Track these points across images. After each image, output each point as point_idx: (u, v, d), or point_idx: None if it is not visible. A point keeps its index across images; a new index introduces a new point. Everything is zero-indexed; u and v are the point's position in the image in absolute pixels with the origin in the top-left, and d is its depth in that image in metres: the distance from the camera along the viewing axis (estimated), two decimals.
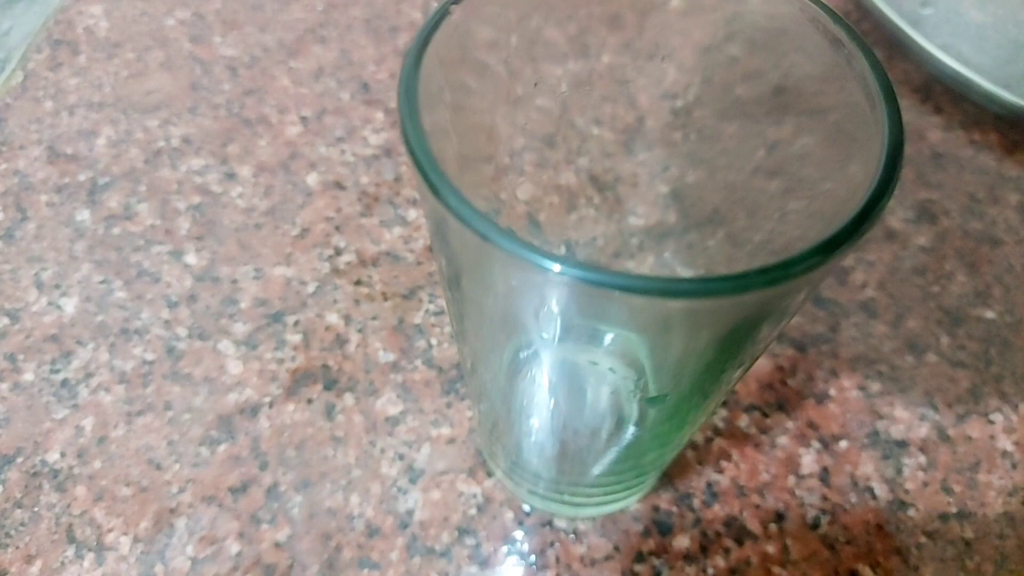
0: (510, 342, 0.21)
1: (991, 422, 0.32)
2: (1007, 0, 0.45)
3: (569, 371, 0.24)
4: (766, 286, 0.13)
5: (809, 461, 0.30)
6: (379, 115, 0.40)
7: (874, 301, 0.34)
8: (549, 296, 0.16)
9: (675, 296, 0.14)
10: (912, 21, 0.43)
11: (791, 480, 0.30)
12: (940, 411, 0.32)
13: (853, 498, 0.30)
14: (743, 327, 0.17)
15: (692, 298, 0.15)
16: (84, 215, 0.37)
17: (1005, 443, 0.31)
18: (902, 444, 0.31)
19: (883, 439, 0.31)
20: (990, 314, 0.34)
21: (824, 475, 0.30)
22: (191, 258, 0.36)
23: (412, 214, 0.37)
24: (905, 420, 0.31)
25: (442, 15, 0.19)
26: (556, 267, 0.14)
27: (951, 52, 0.42)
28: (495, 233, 0.15)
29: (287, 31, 0.44)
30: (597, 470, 0.27)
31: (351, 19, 0.45)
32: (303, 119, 0.40)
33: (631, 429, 0.23)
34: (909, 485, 0.30)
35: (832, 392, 0.32)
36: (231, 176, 0.38)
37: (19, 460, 0.30)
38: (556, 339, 0.19)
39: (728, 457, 0.30)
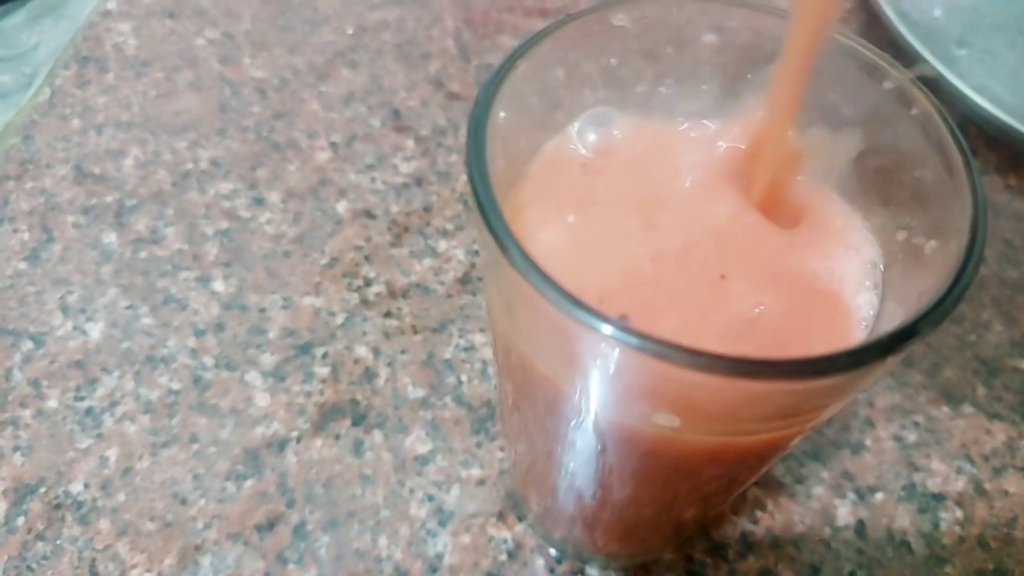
0: (560, 382, 0.20)
1: None
2: None
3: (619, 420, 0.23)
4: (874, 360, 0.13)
5: (844, 513, 0.30)
6: (410, 143, 0.40)
7: (911, 350, 0.34)
8: (604, 355, 0.16)
9: (746, 375, 0.14)
10: (947, 62, 0.42)
11: (826, 532, 0.29)
12: (977, 464, 0.31)
13: (889, 552, 0.29)
14: (816, 402, 0.16)
15: (767, 379, 0.14)
16: (111, 237, 0.36)
17: None
18: (939, 497, 0.30)
19: (919, 492, 0.31)
20: None
21: (860, 528, 0.30)
22: (219, 285, 0.35)
23: (443, 245, 0.37)
24: (942, 473, 0.31)
25: (509, 67, 0.19)
26: (608, 330, 0.14)
27: (986, 94, 0.41)
28: (557, 294, 0.14)
29: (317, 54, 0.44)
30: (637, 523, 0.26)
31: (381, 44, 0.44)
32: (333, 145, 0.40)
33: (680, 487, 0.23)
34: (946, 540, 0.30)
35: (868, 442, 0.32)
36: (260, 201, 0.38)
37: (42, 490, 0.30)
38: (610, 393, 0.18)
39: (763, 507, 0.30)
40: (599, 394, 0.18)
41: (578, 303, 0.14)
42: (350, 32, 0.45)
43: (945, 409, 0.33)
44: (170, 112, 0.41)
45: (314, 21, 0.45)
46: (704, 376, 0.14)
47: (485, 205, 0.15)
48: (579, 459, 0.25)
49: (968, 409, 0.33)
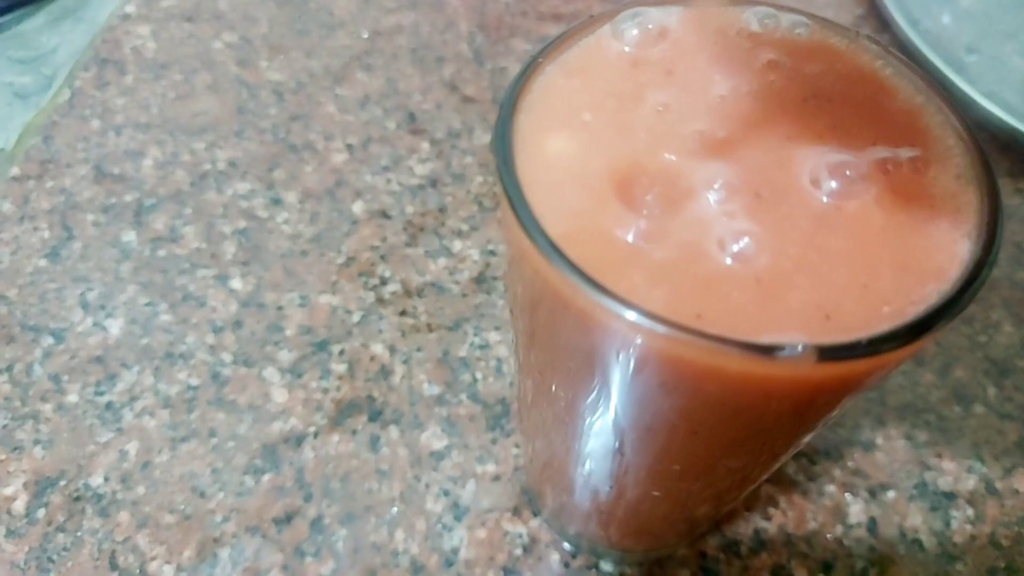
0: (586, 382, 0.21)
1: None
2: None
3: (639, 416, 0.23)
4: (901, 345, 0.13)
5: (857, 510, 0.30)
6: (425, 145, 0.41)
7: (922, 349, 0.34)
8: (641, 352, 0.16)
9: (766, 354, 0.14)
10: (957, 68, 0.43)
11: (839, 529, 0.30)
12: (987, 463, 0.32)
13: (901, 550, 0.29)
14: (840, 392, 0.17)
15: (787, 359, 0.15)
16: (130, 236, 0.37)
17: None
18: (950, 496, 0.31)
19: (931, 490, 0.31)
20: None
21: (872, 525, 0.30)
22: (236, 283, 0.36)
23: (457, 245, 0.37)
24: (953, 472, 0.31)
25: (531, 65, 0.19)
26: (659, 326, 0.14)
27: (996, 100, 0.42)
28: (582, 278, 0.15)
29: (333, 57, 0.44)
30: (651, 519, 0.27)
31: (396, 48, 0.45)
32: (349, 146, 0.40)
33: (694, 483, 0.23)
34: (957, 538, 0.30)
35: (879, 440, 0.32)
36: (277, 201, 0.38)
37: (62, 483, 0.30)
38: (639, 389, 0.19)
39: (776, 504, 0.30)
40: (621, 389, 0.19)
41: (606, 290, 0.14)
42: (365, 36, 0.45)
43: (956, 409, 0.33)
44: (188, 113, 0.41)
45: (330, 25, 0.46)
46: (734, 360, 0.14)
47: (513, 197, 0.16)
48: (596, 456, 0.25)
49: (979, 409, 0.33)
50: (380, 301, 0.35)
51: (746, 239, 0.15)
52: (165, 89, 0.43)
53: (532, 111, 0.18)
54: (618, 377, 0.18)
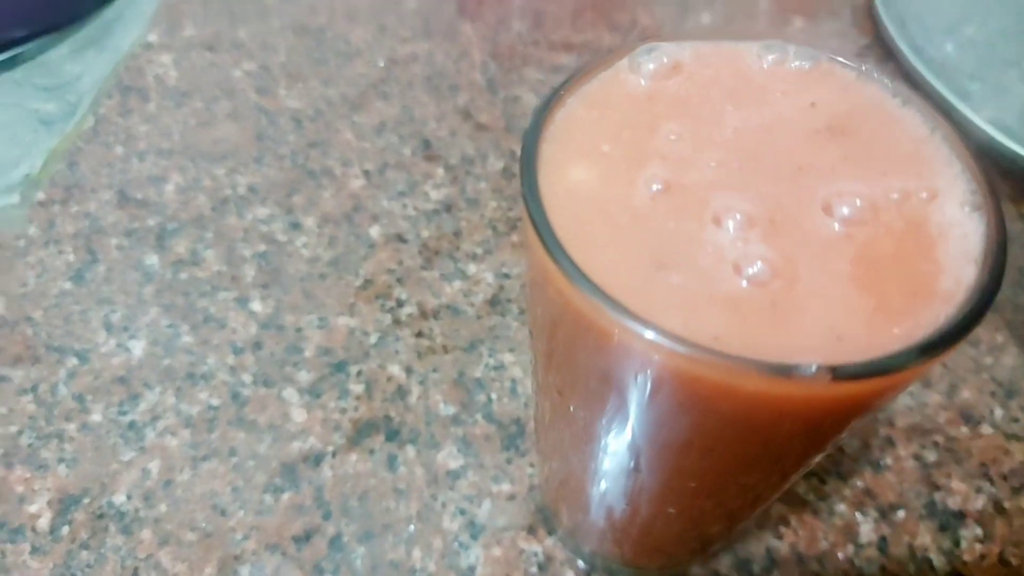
0: (604, 404, 0.21)
1: None
2: None
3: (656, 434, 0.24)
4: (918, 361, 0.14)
5: (867, 530, 0.31)
6: (440, 171, 0.41)
7: (929, 371, 0.35)
8: (661, 372, 0.17)
9: (785, 375, 0.15)
10: (960, 95, 0.44)
11: (850, 548, 0.30)
12: (996, 483, 0.32)
13: (911, 569, 0.30)
14: (853, 412, 0.17)
15: (807, 379, 0.15)
16: (153, 259, 0.38)
17: None
18: (959, 515, 0.31)
19: (940, 510, 0.31)
20: None
21: (882, 544, 0.30)
22: (256, 305, 0.36)
23: (472, 268, 0.38)
24: (962, 491, 0.32)
25: (554, 97, 0.20)
26: (680, 346, 0.15)
27: (998, 126, 0.43)
28: (612, 305, 0.15)
29: (350, 86, 0.45)
30: (665, 537, 0.27)
31: (412, 76, 0.46)
32: (366, 172, 0.41)
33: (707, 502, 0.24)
34: (967, 557, 0.30)
35: (888, 461, 0.32)
36: (296, 226, 0.39)
37: (86, 501, 0.31)
38: (657, 409, 0.19)
39: (787, 523, 0.31)
40: (639, 408, 0.19)
41: (627, 311, 0.15)
42: (381, 65, 0.47)
43: (963, 429, 0.33)
44: (209, 140, 0.43)
45: (347, 54, 0.47)
46: (761, 381, 0.15)
47: (538, 222, 0.17)
48: (612, 475, 0.25)
49: (986, 429, 0.33)
50: (397, 323, 0.36)
51: (761, 263, 0.16)
52: (187, 116, 0.44)
53: (555, 141, 0.19)
54: (636, 397, 0.19)
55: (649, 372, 0.17)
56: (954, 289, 0.16)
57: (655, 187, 0.17)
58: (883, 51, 0.48)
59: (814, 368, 0.14)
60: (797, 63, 0.20)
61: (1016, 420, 0.34)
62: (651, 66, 0.20)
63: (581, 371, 0.20)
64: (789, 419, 0.18)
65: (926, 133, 0.19)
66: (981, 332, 0.36)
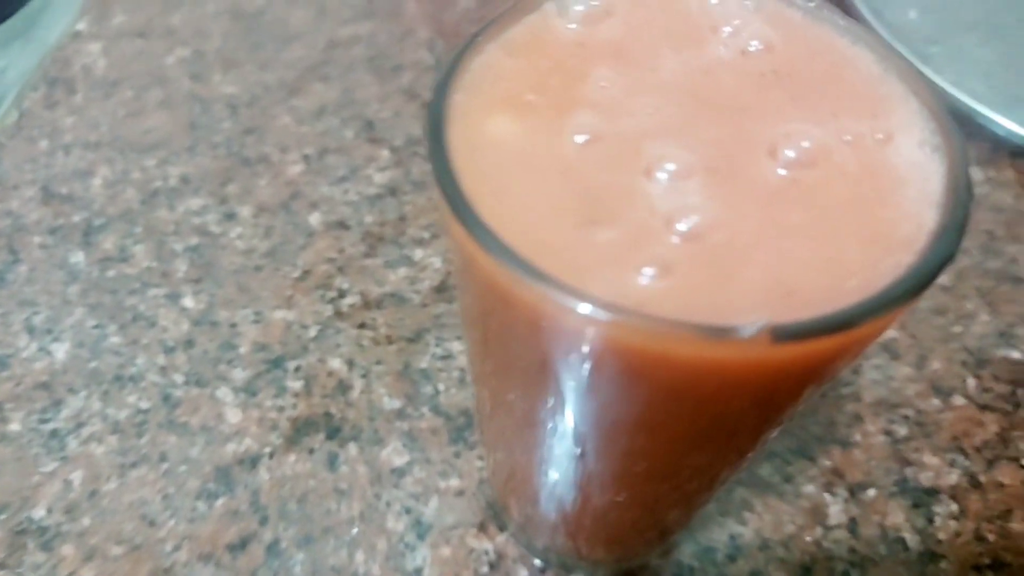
0: (541, 387, 0.20)
1: (1022, 467, 0.30)
2: (1013, 37, 0.45)
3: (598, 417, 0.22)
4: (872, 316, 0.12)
5: (836, 511, 0.29)
6: (384, 153, 0.39)
7: (895, 342, 0.33)
8: (591, 344, 0.15)
9: (717, 337, 0.13)
10: (922, 58, 0.42)
11: (818, 531, 0.29)
12: (970, 456, 0.31)
13: (883, 550, 0.28)
14: (804, 377, 0.15)
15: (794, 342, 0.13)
16: (78, 257, 0.36)
17: None
18: (932, 492, 0.30)
19: (912, 486, 0.30)
20: (1015, 354, 0.33)
21: (852, 526, 0.29)
22: (188, 301, 0.34)
23: (418, 254, 0.36)
24: (934, 466, 0.30)
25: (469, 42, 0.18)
26: (603, 313, 0.13)
27: (962, 86, 0.41)
28: (527, 270, 0.13)
29: (288, 69, 0.43)
30: (620, 526, 0.25)
31: (353, 58, 0.44)
32: (305, 158, 0.39)
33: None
34: (941, 535, 0.29)
35: (857, 437, 0.31)
36: (230, 216, 0.37)
37: (3, 517, 0.29)
38: (594, 387, 0.18)
39: (751, 507, 0.29)
40: (576, 389, 0.18)
41: (544, 276, 0.13)
42: (321, 47, 0.44)
43: (935, 401, 0.32)
44: (139, 130, 0.40)
45: (285, 37, 0.45)
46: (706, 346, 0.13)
47: (443, 179, 0.15)
48: (559, 463, 0.24)
49: (958, 401, 0.32)
50: (338, 314, 0.34)
51: (698, 216, 0.14)
52: (115, 107, 0.41)
53: (470, 91, 0.17)
54: (570, 374, 0.17)
55: (578, 344, 0.15)
56: (915, 235, 0.14)
57: (582, 137, 0.16)
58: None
59: (754, 328, 0.12)
60: (741, 2, 0.18)
61: (988, 390, 0.32)
62: (580, 8, 0.18)
63: (511, 351, 0.18)
64: (735, 388, 0.16)
65: (879, 72, 0.17)
66: (949, 300, 0.35)
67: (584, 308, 0.13)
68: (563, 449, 0.23)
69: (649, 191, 0.14)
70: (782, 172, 0.15)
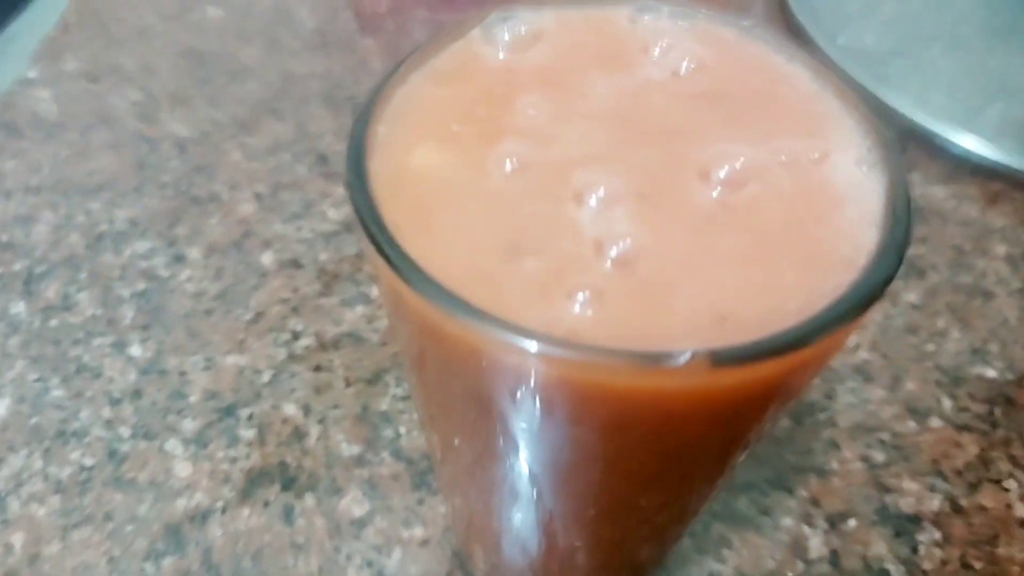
0: (484, 428, 0.18)
1: (1005, 489, 0.29)
2: (974, 47, 0.45)
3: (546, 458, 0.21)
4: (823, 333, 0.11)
5: (817, 544, 0.28)
6: (339, 189, 0.38)
7: (868, 364, 0.33)
8: (524, 378, 0.14)
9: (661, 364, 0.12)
10: (879, 79, 0.42)
11: (799, 566, 0.27)
12: (950, 480, 0.30)
13: None
14: (755, 404, 0.14)
15: (702, 364, 0.12)
16: (19, 307, 0.34)
17: (1022, 511, 0.29)
18: (914, 519, 0.29)
19: (893, 514, 0.29)
20: (990, 372, 0.33)
21: (834, 559, 0.28)
22: (135, 349, 0.33)
23: (375, 291, 0.35)
24: (914, 492, 0.29)
25: (393, 72, 0.17)
26: (530, 343, 0.12)
27: (924, 103, 0.41)
28: (452, 303, 0.12)
29: (240, 106, 0.42)
30: (590, 569, 0.24)
31: (307, 92, 0.43)
32: (257, 196, 0.38)
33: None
34: (926, 564, 0.28)
35: (834, 465, 0.30)
36: (179, 259, 0.36)
37: None
38: (537, 425, 0.16)
39: (728, 544, 0.28)
40: (518, 429, 0.16)
41: (465, 305, 0.12)
42: (274, 82, 0.43)
43: (911, 424, 0.31)
44: (84, 173, 0.39)
45: (236, 74, 0.44)
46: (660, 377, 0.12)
47: (362, 209, 0.14)
48: (516, 507, 0.23)
49: (935, 422, 0.31)
50: (292, 358, 0.33)
51: (629, 242, 0.13)
52: (59, 149, 0.40)
53: (393, 122, 0.16)
54: (511, 414, 0.16)
55: (512, 380, 0.14)
56: (853, 256, 0.13)
57: (509, 166, 0.15)
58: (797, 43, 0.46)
59: (688, 355, 0.11)
60: (670, 22, 0.17)
61: (966, 410, 0.32)
62: (507, 36, 0.17)
63: (449, 391, 0.17)
64: (683, 418, 0.15)
65: (816, 89, 0.16)
66: (920, 318, 0.34)
67: (511, 339, 0.12)
68: (518, 491, 0.22)
69: (578, 218, 0.14)
70: (714, 195, 0.14)
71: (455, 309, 0.12)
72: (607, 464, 0.17)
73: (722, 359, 0.11)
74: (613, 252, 0.13)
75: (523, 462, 0.19)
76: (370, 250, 0.13)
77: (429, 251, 0.13)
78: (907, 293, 0.35)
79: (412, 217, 0.14)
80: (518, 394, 0.14)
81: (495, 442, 0.18)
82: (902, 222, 0.13)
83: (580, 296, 0.12)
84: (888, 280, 0.13)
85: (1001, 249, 0.37)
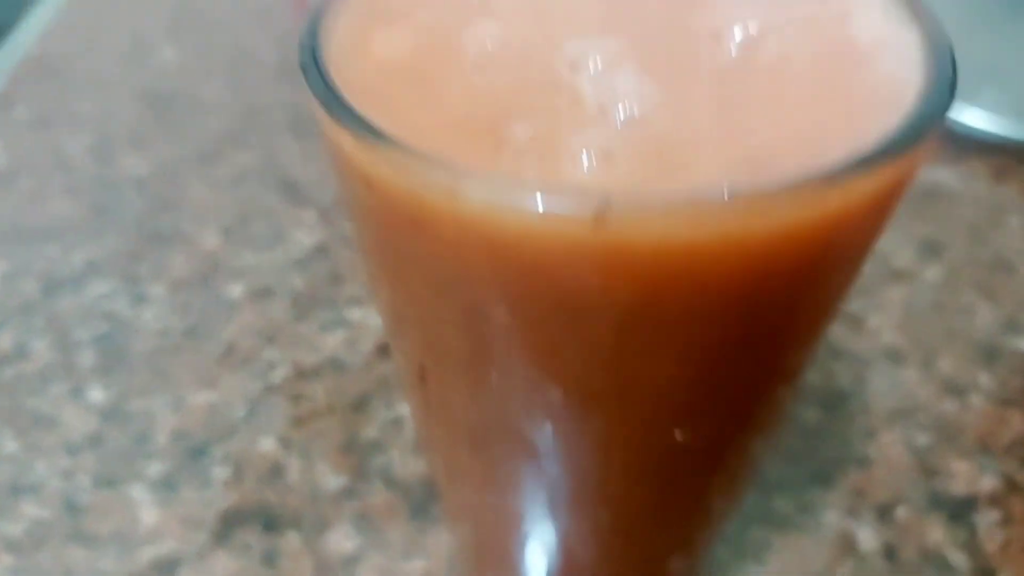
0: (496, 451, 0.16)
1: None
2: (967, 22, 0.44)
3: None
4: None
5: (866, 537, 0.25)
6: (310, 214, 0.36)
7: (897, 346, 0.30)
8: (528, 254, 0.11)
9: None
10: None
11: (850, 563, 0.24)
12: (1000, 457, 0.27)
13: (928, 573, 0.24)
14: (801, 272, 0.12)
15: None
16: None
17: None
18: (968, 501, 0.26)
19: (945, 498, 0.26)
20: None
21: (888, 551, 0.25)
22: (96, 394, 0.30)
23: (356, 314, 0.32)
24: (964, 473, 0.26)
25: None
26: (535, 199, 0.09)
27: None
28: (433, 163, 0.10)
29: (204, 140, 0.40)
30: None
31: (273, 122, 0.41)
32: (224, 228, 0.36)
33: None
34: (989, 547, 0.25)
35: (873, 453, 0.27)
36: (142, 298, 0.33)
37: None
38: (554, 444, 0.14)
39: (769, 546, 0.25)
40: (544, 359, 0.13)
41: (450, 167, 0.10)
42: (237, 115, 0.42)
43: (950, 404, 0.28)
44: (38, 219, 0.37)
45: (197, 110, 0.42)
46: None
47: (319, 93, 0.12)
48: (536, 532, 0.20)
49: (976, 400, 0.28)
50: (268, 389, 0.30)
51: (638, 100, 0.11)
52: (13, 197, 0.38)
53: (356, 12, 0.14)
54: (513, 317, 0.13)
55: (513, 259, 0.11)
56: (897, 100, 0.11)
57: (491, 45, 0.12)
58: None
59: (725, 192, 0.09)
60: None
61: (1005, 383, 0.29)
62: None
63: (436, 313, 0.14)
64: (716, 294, 0.12)
65: None
66: (945, 296, 0.32)
67: (518, 198, 0.09)
68: (537, 513, 0.19)
69: (575, 83, 0.11)
70: (732, 54, 0.12)
71: (432, 168, 0.10)
72: (635, 382, 0.14)
73: (766, 195, 0.09)
74: (620, 110, 0.11)
75: (543, 487, 0.16)
76: (332, 130, 0.11)
77: (402, 133, 0.11)
78: (926, 272, 0.33)
79: (377, 106, 0.11)
80: (523, 284, 0.11)
81: (508, 460, 0.15)
82: (948, 63, 0.12)
83: (587, 156, 0.10)
84: (944, 110, 0.11)
85: (1015, 221, 0.35)
